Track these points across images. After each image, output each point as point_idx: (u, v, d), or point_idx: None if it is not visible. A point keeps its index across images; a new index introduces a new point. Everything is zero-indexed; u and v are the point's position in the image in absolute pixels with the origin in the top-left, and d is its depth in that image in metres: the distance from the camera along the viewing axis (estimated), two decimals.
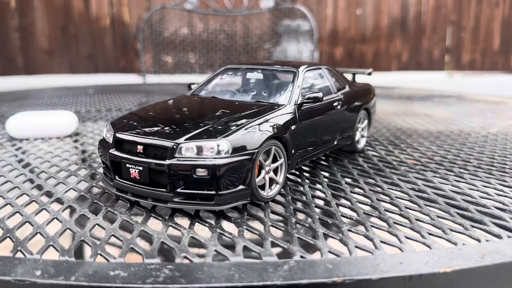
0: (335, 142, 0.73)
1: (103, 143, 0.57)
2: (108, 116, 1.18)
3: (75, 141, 0.91)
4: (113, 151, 0.54)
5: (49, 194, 0.60)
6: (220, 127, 0.52)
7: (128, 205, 0.55)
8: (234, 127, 0.52)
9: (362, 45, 3.43)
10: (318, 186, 0.63)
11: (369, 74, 0.87)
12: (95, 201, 0.56)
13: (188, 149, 0.49)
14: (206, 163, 0.48)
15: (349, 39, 3.37)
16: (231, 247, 0.45)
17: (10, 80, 2.84)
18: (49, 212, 0.53)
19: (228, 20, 2.57)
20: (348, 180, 0.65)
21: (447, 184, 0.64)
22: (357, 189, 0.61)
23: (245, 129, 0.52)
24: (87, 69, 3.06)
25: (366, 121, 0.83)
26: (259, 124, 0.54)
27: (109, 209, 0.54)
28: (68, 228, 0.49)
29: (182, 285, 0.37)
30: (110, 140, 0.55)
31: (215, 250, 0.44)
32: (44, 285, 0.38)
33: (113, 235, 0.47)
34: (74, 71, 3.04)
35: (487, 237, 0.47)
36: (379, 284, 0.39)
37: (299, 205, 0.56)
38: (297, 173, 0.68)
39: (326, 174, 0.68)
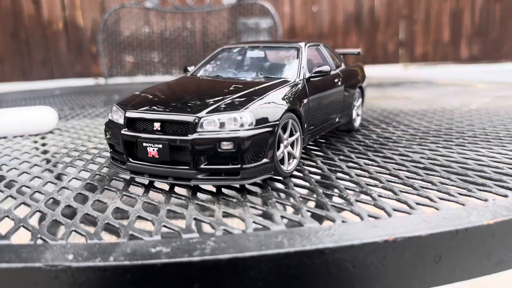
0: (337, 120, 0.73)
1: (110, 125, 0.54)
2: (84, 113, 1.13)
3: (60, 136, 0.86)
4: (126, 131, 0.51)
5: (49, 186, 0.56)
6: (239, 100, 0.51)
7: (143, 189, 0.52)
8: (253, 100, 0.50)
9: (320, 41, 3.48)
10: (330, 161, 0.62)
11: (358, 54, 0.87)
12: (106, 187, 0.53)
13: (210, 123, 0.47)
14: (231, 136, 0.47)
15: (307, 35, 3.41)
16: (265, 219, 0.43)
17: None
18: (59, 201, 0.49)
19: (191, 17, 2.53)
20: (357, 154, 0.65)
21: (453, 152, 0.65)
22: (370, 162, 0.61)
23: (264, 102, 0.51)
24: (41, 75, 2.93)
25: (360, 100, 0.83)
26: (275, 97, 0.53)
27: (124, 193, 0.51)
28: (86, 213, 0.46)
29: (232, 255, 0.36)
30: (120, 121, 0.52)
31: (254, 222, 0.42)
32: (80, 269, 0.35)
33: (139, 216, 0.44)
34: (27, 78, 2.90)
35: None
36: (429, 240, 0.39)
37: (319, 178, 0.55)
38: (305, 151, 0.67)
39: (334, 151, 0.67)
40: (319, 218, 0.43)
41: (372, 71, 3.46)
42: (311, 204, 0.48)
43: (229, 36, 2.59)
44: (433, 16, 3.72)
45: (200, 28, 2.57)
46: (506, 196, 0.47)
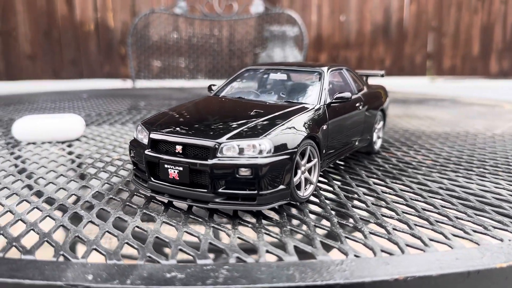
0: (357, 143, 0.73)
1: (134, 143, 0.56)
2: (111, 120, 1.16)
3: (86, 144, 0.88)
4: (149, 152, 0.52)
5: (74, 198, 0.58)
6: (259, 126, 0.52)
7: (163, 207, 0.53)
8: (273, 126, 0.52)
9: (346, 51, 3.47)
10: (347, 187, 0.62)
11: (382, 76, 0.88)
12: (127, 203, 0.55)
13: (229, 149, 0.49)
14: (249, 163, 0.48)
15: (333, 44, 3.41)
16: (278, 247, 0.44)
17: None
18: (82, 216, 0.51)
19: (218, 25, 2.57)
20: (375, 180, 0.66)
21: (472, 183, 0.64)
22: (387, 189, 0.61)
23: (283, 128, 0.52)
24: (70, 74, 3.01)
25: (381, 122, 0.83)
26: (295, 124, 0.54)
27: (144, 211, 0.52)
28: (107, 231, 0.47)
29: (244, 286, 0.37)
30: (144, 141, 0.54)
31: (267, 251, 0.43)
32: None
33: (157, 237, 0.46)
34: (57, 77, 2.98)
35: None
36: (440, 281, 0.39)
37: (334, 205, 0.55)
38: (323, 173, 0.68)
39: (352, 175, 0.68)
40: (331, 248, 0.44)
41: (398, 84, 3.43)
42: (325, 232, 0.49)
43: (255, 44, 2.61)
44: (463, 29, 3.66)
45: (227, 35, 2.60)
46: None
